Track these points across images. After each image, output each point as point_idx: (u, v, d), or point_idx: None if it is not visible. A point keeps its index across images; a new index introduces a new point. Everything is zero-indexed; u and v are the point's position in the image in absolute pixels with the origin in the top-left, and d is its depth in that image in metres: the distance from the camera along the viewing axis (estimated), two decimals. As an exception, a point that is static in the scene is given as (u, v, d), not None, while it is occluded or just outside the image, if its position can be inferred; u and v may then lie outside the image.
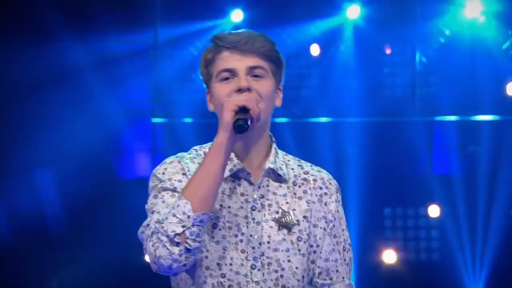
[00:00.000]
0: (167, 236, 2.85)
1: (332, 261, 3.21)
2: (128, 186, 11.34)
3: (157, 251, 2.86)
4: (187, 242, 2.86)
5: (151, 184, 3.15)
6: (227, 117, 2.92)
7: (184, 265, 2.92)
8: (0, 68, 10.48)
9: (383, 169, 11.23)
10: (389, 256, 11.17)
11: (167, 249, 2.85)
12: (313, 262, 3.21)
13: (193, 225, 2.88)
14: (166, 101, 11.12)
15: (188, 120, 11.30)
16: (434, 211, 11.29)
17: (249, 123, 2.97)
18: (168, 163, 3.14)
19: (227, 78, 3.10)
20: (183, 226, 2.85)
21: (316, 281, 3.22)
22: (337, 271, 3.23)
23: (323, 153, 10.66)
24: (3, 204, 11.05)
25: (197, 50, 10.85)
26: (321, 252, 3.23)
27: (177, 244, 2.86)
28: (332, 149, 11.12)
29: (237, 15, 10.74)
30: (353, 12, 10.93)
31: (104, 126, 10.67)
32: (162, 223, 2.88)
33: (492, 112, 11.37)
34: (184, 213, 2.88)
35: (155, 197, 3.04)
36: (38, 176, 11.01)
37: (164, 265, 2.87)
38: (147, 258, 10.68)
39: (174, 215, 2.87)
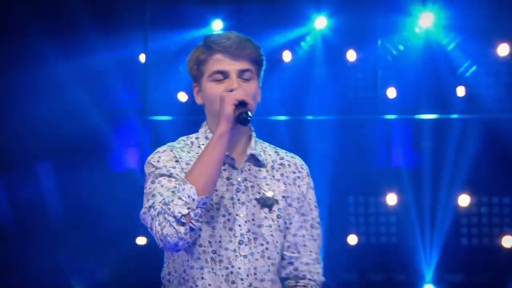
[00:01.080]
0: (174, 216, 3.07)
1: (299, 236, 3.43)
2: (119, 177, 11.60)
3: (164, 230, 3.09)
4: (191, 222, 3.10)
5: (147, 171, 3.36)
6: (229, 110, 3.14)
7: (188, 242, 3.17)
8: (9, 75, 10.50)
9: (347, 162, 11.48)
10: (352, 239, 11.58)
11: (174, 228, 3.07)
12: (285, 237, 3.45)
13: (197, 207, 3.11)
14: (153, 101, 11.37)
15: (171, 117, 11.50)
16: (391, 199, 11.63)
17: (250, 115, 3.19)
18: (161, 152, 3.37)
19: (219, 79, 3.31)
20: (188, 208, 3.08)
21: (285, 254, 3.44)
22: (304, 245, 3.44)
23: (297, 147, 10.29)
24: (8, 191, 11.24)
25: (180, 58, 11.07)
26: (291, 228, 3.45)
27: (183, 224, 3.07)
28: (304, 144, 11.26)
29: (217, 24, 10.98)
30: (320, 23, 11.21)
31: (98, 124, 10.85)
32: (168, 204, 3.09)
33: (442, 112, 11.68)
34: (189, 196, 3.09)
35: (153, 182, 3.26)
36: (39, 167, 11.19)
37: (170, 243, 3.11)
38: (139, 240, 10.73)
39: (179, 198, 3.09)
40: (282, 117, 11.62)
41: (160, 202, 3.14)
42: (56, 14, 10.78)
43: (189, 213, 3.08)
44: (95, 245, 10.29)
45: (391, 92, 11.58)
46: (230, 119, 3.13)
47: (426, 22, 11.27)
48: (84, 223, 10.45)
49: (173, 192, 3.17)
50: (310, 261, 3.44)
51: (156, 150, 3.39)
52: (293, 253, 3.43)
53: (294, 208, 3.45)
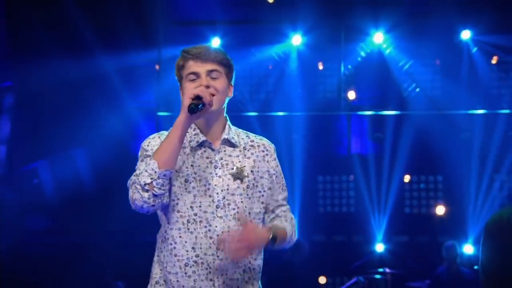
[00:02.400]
0: (140, 185, 3.30)
1: (277, 196, 3.68)
2: (136, 161, 12.56)
3: (134, 195, 3.33)
4: (154, 189, 3.31)
5: (139, 153, 3.54)
6: (185, 102, 3.32)
7: (153, 205, 3.38)
8: (50, 75, 10.64)
9: (317, 149, 12.26)
10: (321, 208, 12.51)
11: (140, 194, 3.30)
12: (263, 202, 3.62)
13: (158, 178, 3.31)
14: (166, 100, 11.99)
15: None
16: (351, 178, 12.66)
17: (200, 107, 3.34)
18: (151, 138, 3.56)
19: (193, 79, 3.47)
20: (151, 178, 3.30)
21: (271, 211, 3.67)
22: (279, 203, 3.68)
23: (277, 137, 10.84)
24: (52, 172, 11.81)
25: None
26: (272, 195, 3.66)
27: (147, 191, 3.31)
28: (283, 134, 11.55)
29: (215, 42, 11.41)
30: (296, 40, 12.07)
31: (122, 118, 11.55)
32: (138, 176, 3.33)
33: (394, 109, 12.49)
34: (152, 169, 3.30)
35: (141, 161, 3.46)
36: (77, 153, 11.85)
37: (137, 205, 3.35)
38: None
39: (146, 170, 3.31)
40: (276, 113, 12.24)
41: (134, 175, 3.39)
42: (107, 32, 11.32)
43: (151, 182, 3.31)
44: (120, 214, 9.57)
45: (351, 94, 12.56)
46: (186, 110, 3.32)
47: (378, 39, 12.12)
48: (109, 196, 10.50)
49: (146, 165, 3.38)
50: (286, 210, 3.71)
51: (149, 137, 3.60)
52: (273, 209, 3.66)
53: (266, 180, 3.63)
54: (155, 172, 3.26)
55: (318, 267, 11.64)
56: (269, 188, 3.61)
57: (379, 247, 12.21)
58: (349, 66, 12.68)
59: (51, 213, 11.69)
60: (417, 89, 12.60)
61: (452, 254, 11.05)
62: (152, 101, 12.41)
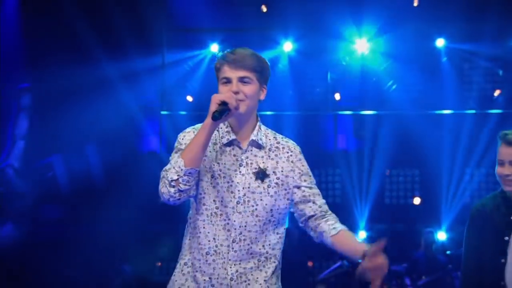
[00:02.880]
0: (168, 180, 3.29)
1: (309, 187, 3.55)
2: (143, 156, 12.23)
3: (162, 189, 3.33)
4: (179, 185, 3.30)
5: (175, 144, 3.52)
6: (212, 108, 3.28)
7: (178, 199, 3.36)
8: (62, 77, 10.60)
9: (307, 144, 11.36)
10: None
11: (167, 188, 3.30)
12: (288, 199, 3.53)
13: (184, 175, 3.29)
14: (169, 100, 12.21)
15: (183, 112, 12.16)
16: (338, 172, 12.73)
17: (225, 113, 3.30)
18: (187, 132, 3.52)
19: (226, 83, 3.41)
20: (178, 175, 3.29)
21: (308, 203, 3.54)
22: (317, 194, 3.56)
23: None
24: (66, 165, 11.72)
25: (189, 67, 12.12)
26: (303, 187, 3.54)
27: (173, 186, 3.30)
28: (278, 131, 11.83)
29: (214, 47, 11.56)
30: (287, 46, 12.21)
31: (129, 117, 11.59)
32: (167, 171, 3.32)
33: (375, 109, 12.60)
34: (179, 167, 3.29)
35: (175, 153, 3.42)
36: (88, 149, 11.84)
37: (165, 198, 3.35)
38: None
39: (173, 167, 3.30)
40: (268, 112, 11.92)
41: (164, 170, 3.37)
42: (108, 38, 11.21)
43: (178, 179, 3.30)
44: (127, 204, 10.48)
45: (337, 96, 12.65)
46: (208, 119, 3.30)
47: (361, 46, 12.18)
48: (119, 189, 10.69)
49: (174, 163, 3.37)
50: (323, 201, 3.60)
51: (185, 130, 3.56)
52: (314, 198, 3.54)
53: (291, 178, 3.53)
54: (182, 170, 3.26)
55: (307, 252, 11.51)
56: (298, 186, 3.52)
57: (362, 234, 12.25)
58: (335, 70, 12.68)
59: (64, 203, 11.61)
60: (394, 86, 12.59)
61: (430, 240, 11.14)
62: (155, 101, 12.39)
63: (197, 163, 3.29)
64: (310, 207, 3.49)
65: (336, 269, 10.74)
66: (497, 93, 12.45)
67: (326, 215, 3.51)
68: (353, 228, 12.06)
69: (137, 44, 11.39)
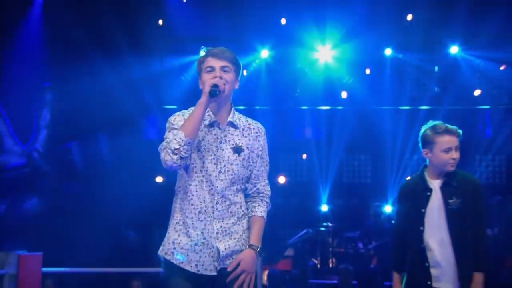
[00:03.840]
0: (171, 149, 3.27)
1: (260, 171, 3.54)
2: (143, 143, 12.00)
3: (165, 157, 3.29)
4: (181, 153, 3.28)
5: (167, 125, 3.44)
6: (206, 89, 3.31)
7: (179, 165, 3.34)
8: (79, 76, 10.60)
9: (277, 134, 11.48)
10: (282, 179, 12.48)
11: (170, 156, 3.28)
12: (250, 170, 3.51)
13: (184, 144, 3.28)
14: (166, 97, 11.99)
15: (174, 107, 11.19)
16: (305, 156, 12.99)
17: (218, 92, 3.32)
18: (177, 115, 3.46)
19: (210, 71, 3.40)
20: (179, 145, 3.27)
21: (252, 180, 3.54)
22: (262, 175, 3.55)
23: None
24: (82, 150, 11.82)
25: (184, 70, 11.92)
26: (255, 166, 3.52)
27: (176, 154, 3.27)
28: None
29: (203, 52, 11.43)
30: (264, 53, 12.09)
31: (135, 110, 11.29)
32: (169, 143, 3.29)
33: (334, 105, 12.68)
34: (180, 138, 3.27)
35: (169, 132, 3.38)
36: (100, 137, 11.92)
37: (168, 165, 3.31)
38: (157, 179, 11.49)
39: (175, 139, 3.28)
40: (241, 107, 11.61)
41: (166, 142, 3.33)
42: (109, 46, 10.97)
43: (179, 148, 3.28)
44: (131, 181, 10.50)
45: (302, 93, 12.63)
46: (206, 94, 3.30)
47: (324, 52, 12.05)
48: (124, 169, 10.88)
49: (175, 135, 3.33)
50: (265, 184, 3.57)
51: (174, 114, 3.49)
52: (256, 180, 3.54)
53: (255, 154, 3.51)
54: (182, 140, 3.24)
55: (279, 223, 11.41)
56: (257, 161, 3.52)
57: (324, 208, 12.46)
58: (303, 74, 12.64)
59: (80, 181, 11.77)
60: (351, 80, 12.52)
61: (378, 212, 11.31)
62: (152, 99, 11.95)
63: (194, 134, 3.29)
64: (249, 186, 3.51)
65: (302, 236, 10.90)
66: (434, 90, 12.51)
67: (256, 198, 3.53)
68: (316, 202, 12.55)
69: (140, 50, 11.34)
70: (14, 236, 10.20)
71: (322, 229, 11.37)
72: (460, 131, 4.14)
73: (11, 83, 11.07)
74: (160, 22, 11.84)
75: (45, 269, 6.53)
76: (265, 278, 8.99)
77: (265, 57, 12.21)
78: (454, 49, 12.08)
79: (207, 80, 3.32)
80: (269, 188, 3.58)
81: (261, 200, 3.52)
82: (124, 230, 11.27)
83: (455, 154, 4.07)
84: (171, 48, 11.87)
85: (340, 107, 12.72)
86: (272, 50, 12.17)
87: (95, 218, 10.41)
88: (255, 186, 3.52)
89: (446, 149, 4.07)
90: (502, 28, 11.33)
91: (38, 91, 11.57)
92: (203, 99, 3.28)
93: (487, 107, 12.81)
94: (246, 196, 3.53)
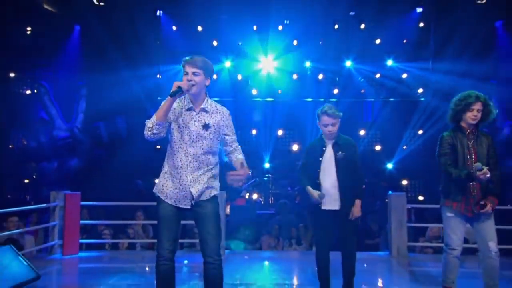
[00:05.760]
0: (147, 127, 3.14)
1: (231, 138, 3.35)
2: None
3: (144, 131, 3.16)
4: (153, 130, 3.13)
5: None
6: (173, 89, 3.10)
7: (153, 138, 3.15)
8: (101, 78, 10.45)
9: (238, 117, 11.15)
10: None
11: (146, 131, 3.15)
12: (223, 139, 3.32)
13: (156, 125, 3.13)
14: (161, 90, 11.17)
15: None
16: (254, 131, 12.54)
17: (178, 92, 3.08)
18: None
19: (186, 74, 3.19)
20: (152, 125, 3.13)
21: (228, 145, 3.35)
22: (234, 140, 3.37)
23: None
24: (107, 128, 11.70)
25: (175, 76, 11.24)
26: (227, 135, 3.32)
27: (150, 130, 3.13)
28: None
29: (183, 61, 10.63)
30: (227, 63, 11.94)
31: (139, 100, 11.02)
32: (147, 122, 3.16)
33: (271, 98, 12.30)
34: (153, 120, 3.13)
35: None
36: (117, 118, 11.84)
37: (146, 137, 3.16)
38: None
39: (150, 121, 3.14)
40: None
41: (147, 121, 3.16)
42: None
43: (152, 126, 3.13)
44: (139, 148, 9.99)
45: (254, 91, 12.44)
46: (169, 96, 3.10)
47: (267, 62, 11.93)
48: (135, 141, 10.11)
49: (151, 118, 3.15)
50: (237, 143, 3.40)
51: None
52: (232, 141, 3.36)
53: (223, 127, 3.31)
54: (154, 122, 3.13)
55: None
56: (225, 134, 3.32)
57: (266, 165, 12.43)
58: (254, 77, 12.40)
59: (105, 148, 11.73)
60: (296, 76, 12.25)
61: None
62: (154, 91, 11.29)
63: (163, 118, 3.13)
64: (228, 147, 3.39)
65: (252, 183, 11.04)
66: (335, 91, 12.23)
67: (235, 151, 3.39)
68: (261, 161, 12.39)
69: (138, 61, 11.12)
70: (62, 182, 10.24)
71: (265, 178, 11.50)
72: (339, 114, 4.08)
73: (59, 83, 11.26)
74: (158, 42, 11.63)
75: (82, 203, 6.54)
76: (228, 210, 8.61)
77: (228, 66, 12.06)
78: (348, 63, 12.03)
79: (175, 82, 3.14)
80: (239, 147, 3.45)
81: (239, 152, 3.37)
82: (134, 179, 11.16)
83: (330, 128, 4.03)
84: (166, 58, 11.51)
85: (277, 100, 12.52)
86: (232, 61, 12.00)
87: (115, 171, 10.40)
88: (232, 145, 3.36)
89: (324, 124, 4.05)
90: (375, 47, 11.53)
91: (76, 88, 11.59)
92: (169, 97, 3.14)
93: (371, 99, 12.63)
94: (229, 152, 3.37)
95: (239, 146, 3.39)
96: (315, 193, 3.97)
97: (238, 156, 3.33)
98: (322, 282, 4.06)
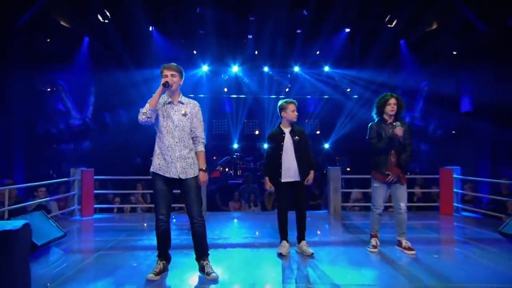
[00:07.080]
0: (141, 112, 3.04)
1: (197, 126, 3.21)
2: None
3: (139, 116, 3.05)
4: (146, 114, 3.04)
5: None
6: (162, 82, 3.05)
7: (146, 122, 3.04)
8: (108, 79, 10.11)
9: (213, 109, 11.70)
10: (214, 131, 11.66)
11: (141, 115, 3.04)
12: (193, 128, 3.19)
13: (148, 110, 3.04)
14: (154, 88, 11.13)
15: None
16: (225, 120, 12.04)
17: (167, 85, 3.06)
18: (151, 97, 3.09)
19: (164, 76, 3.12)
20: (145, 110, 3.03)
21: (194, 132, 3.20)
22: (197, 128, 3.22)
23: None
24: (112, 118, 11.23)
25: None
26: (194, 123, 3.19)
27: (144, 115, 3.03)
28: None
29: (162, 66, 10.11)
30: (205, 68, 11.72)
31: (138, 96, 10.35)
32: (141, 109, 3.06)
33: (238, 94, 12.26)
34: (146, 107, 3.04)
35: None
36: (120, 110, 11.20)
37: (140, 121, 3.05)
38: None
39: (144, 107, 3.04)
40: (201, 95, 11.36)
41: (140, 108, 3.06)
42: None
43: (145, 111, 3.02)
44: (141, 132, 8.75)
45: (226, 89, 12.33)
46: (161, 86, 3.04)
47: (235, 69, 11.81)
48: (135, 129, 9.64)
49: (144, 106, 3.06)
50: (201, 131, 3.24)
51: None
52: (195, 130, 3.21)
53: (194, 117, 3.18)
54: (147, 108, 3.04)
55: (214, 153, 11.33)
56: (195, 122, 3.20)
57: (235, 145, 12.30)
58: (226, 77, 12.27)
59: (110, 134, 11.27)
60: (246, 81, 12.04)
61: (261, 147, 11.15)
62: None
63: (154, 105, 3.04)
64: (192, 134, 3.23)
65: (225, 160, 11.13)
66: (287, 89, 12.05)
67: (195, 140, 3.22)
68: (231, 142, 12.37)
69: (135, 61, 10.70)
70: (79, 161, 9.97)
71: (234, 156, 11.41)
72: (296, 102, 3.99)
73: (73, 82, 10.85)
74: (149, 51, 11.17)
75: (95, 177, 6.35)
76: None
77: (205, 70, 11.87)
78: (296, 68, 11.96)
79: (163, 78, 3.12)
80: (203, 135, 3.28)
81: (199, 142, 3.23)
82: (134, 158, 10.96)
83: (296, 113, 3.95)
84: (156, 63, 10.95)
85: (243, 96, 12.44)
86: (209, 66, 11.85)
87: (118, 152, 10.23)
88: (195, 134, 3.23)
89: (292, 110, 3.93)
90: (315, 57, 11.46)
91: (87, 86, 11.21)
92: (160, 87, 3.09)
93: (309, 96, 12.58)
94: (192, 137, 3.23)
95: (203, 137, 3.24)
96: (268, 185, 3.93)
97: (198, 148, 3.21)
98: (282, 235, 4.02)
